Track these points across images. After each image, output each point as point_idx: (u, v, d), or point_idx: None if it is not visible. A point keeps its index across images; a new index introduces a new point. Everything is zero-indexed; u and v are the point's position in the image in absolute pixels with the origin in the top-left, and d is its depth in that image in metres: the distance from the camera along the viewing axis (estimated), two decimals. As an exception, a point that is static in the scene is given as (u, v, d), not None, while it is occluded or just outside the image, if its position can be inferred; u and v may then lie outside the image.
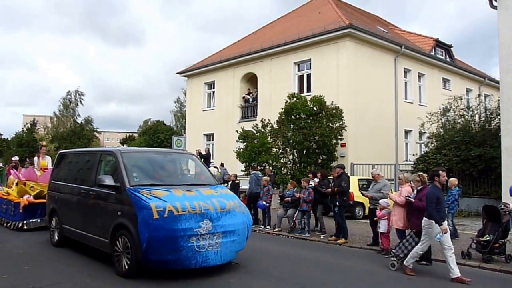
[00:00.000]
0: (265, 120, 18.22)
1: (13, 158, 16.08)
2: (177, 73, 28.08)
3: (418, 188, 7.86)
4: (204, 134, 25.56)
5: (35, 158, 12.34)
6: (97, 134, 58.40)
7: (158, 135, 40.15)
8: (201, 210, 6.19)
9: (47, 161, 12.19)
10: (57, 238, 8.55)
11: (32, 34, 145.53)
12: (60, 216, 8.43)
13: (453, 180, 10.44)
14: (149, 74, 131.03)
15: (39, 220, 10.43)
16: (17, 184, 11.51)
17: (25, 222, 10.36)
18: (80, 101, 55.07)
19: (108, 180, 6.59)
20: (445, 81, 24.41)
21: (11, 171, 13.19)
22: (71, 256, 7.80)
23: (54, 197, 8.85)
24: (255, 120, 20.46)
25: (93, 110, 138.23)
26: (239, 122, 22.71)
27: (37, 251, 8.29)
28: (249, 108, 23.23)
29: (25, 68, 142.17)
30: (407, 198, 8.03)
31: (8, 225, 10.83)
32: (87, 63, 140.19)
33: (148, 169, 7.38)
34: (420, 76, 22.69)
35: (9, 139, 53.13)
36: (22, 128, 52.79)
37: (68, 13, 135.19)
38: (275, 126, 17.74)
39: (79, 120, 54.23)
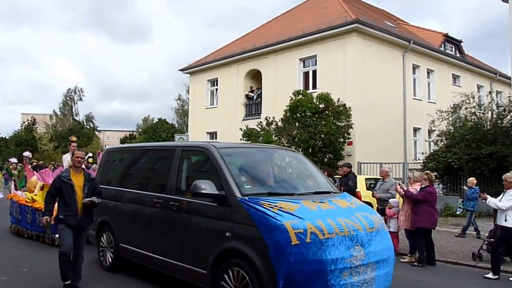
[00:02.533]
0: (269, 118, 17.83)
1: (25, 154, 14.83)
2: (180, 70, 27.76)
3: (423, 186, 7.79)
4: (207, 133, 25.16)
5: (65, 156, 10.34)
6: (97, 133, 58.34)
7: (159, 133, 39.88)
8: (350, 232, 4.41)
9: None
10: (110, 260, 6.58)
11: (36, 31, 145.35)
12: (116, 232, 6.48)
13: (473, 180, 10.86)
14: (156, 71, 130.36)
15: None
16: (42, 188, 9.46)
17: (57, 236, 8.63)
18: (81, 98, 54.98)
19: (209, 187, 4.70)
20: (455, 77, 23.89)
21: (35, 172, 11.10)
22: None
23: (105, 207, 6.72)
24: (259, 118, 20.06)
25: (97, 108, 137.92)
26: (243, 120, 22.28)
27: (36, 252, 8.08)
28: (253, 106, 22.84)
29: (28, 65, 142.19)
30: (399, 184, 8.14)
31: (38, 239, 9.05)
32: (92, 60, 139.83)
33: (255, 171, 5.62)
34: (429, 72, 22.19)
35: (7, 138, 53.15)
36: (21, 127, 52.75)
37: (73, 9, 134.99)
38: (279, 124, 17.36)
39: (79, 118, 54.16)
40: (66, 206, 5.42)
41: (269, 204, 4.44)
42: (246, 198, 4.56)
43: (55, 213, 7.82)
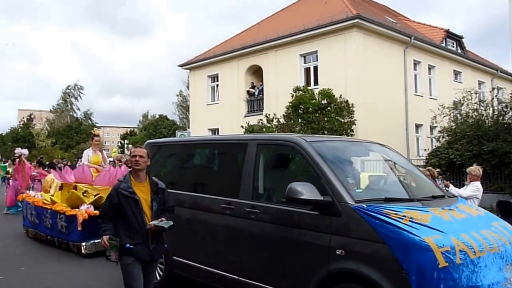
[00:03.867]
0: (270, 114, 17.75)
1: (18, 151, 14.45)
2: (179, 66, 27.55)
3: None
4: (209, 129, 25.03)
5: (86, 151, 8.97)
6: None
7: (160, 130, 39.64)
8: (499, 248, 3.53)
9: (101, 157, 8.97)
10: (159, 275, 5.42)
11: (36, 25, 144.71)
12: (167, 242, 4.99)
13: None
14: (158, 66, 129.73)
15: None
16: (61, 188, 8.59)
17: (84, 244, 7.36)
18: (80, 95, 54.63)
19: (310, 192, 3.68)
20: (456, 73, 23.87)
21: (52, 170, 10.04)
22: (71, 256, 7.47)
23: None
24: (261, 114, 19.95)
25: (97, 104, 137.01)
26: (245, 116, 22.21)
27: (35, 250, 8.04)
28: (255, 102, 22.73)
29: (26, 60, 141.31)
30: None
31: (60, 245, 7.97)
32: (93, 55, 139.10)
33: (358, 171, 4.67)
34: (430, 68, 22.15)
35: (3, 134, 52.91)
36: (19, 123, 52.51)
37: (74, 2, 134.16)
38: (282, 120, 17.27)
39: (78, 115, 53.89)
40: (131, 230, 3.78)
41: (396, 214, 3.45)
42: (364, 205, 3.57)
43: (81, 216, 7.25)
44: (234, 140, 5.38)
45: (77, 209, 7.60)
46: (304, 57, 20.45)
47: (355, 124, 16.94)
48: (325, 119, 16.14)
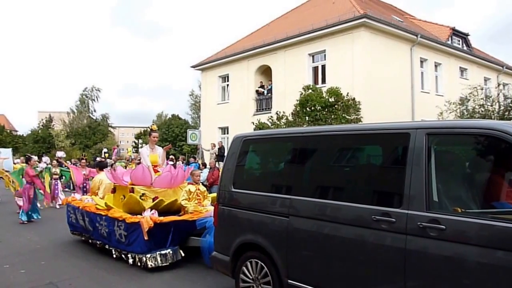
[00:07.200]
0: (280, 112, 18.22)
1: (59, 154, 14.36)
2: (192, 67, 28.18)
3: None
4: (219, 128, 25.67)
5: (144, 151, 7.98)
6: (112, 130, 59.17)
7: (172, 129, 40.26)
8: None
9: (159, 155, 7.92)
10: None
11: (56, 28, 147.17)
12: (278, 260, 4.24)
13: None
14: (176, 67, 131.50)
15: (171, 252, 6.43)
16: (114, 191, 7.81)
17: (148, 256, 6.32)
18: (96, 98, 55.56)
19: None
20: (462, 70, 24.01)
21: (105, 171, 8.89)
22: (89, 250, 7.66)
23: (250, 222, 4.64)
24: (270, 112, 20.48)
25: (116, 103, 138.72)
26: (254, 114, 22.69)
27: (54, 246, 8.26)
28: (263, 101, 23.24)
29: (46, 61, 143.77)
30: None
31: (120, 257, 6.91)
32: (113, 56, 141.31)
33: None
34: (436, 65, 22.35)
35: (24, 135, 54.22)
36: (38, 124, 53.70)
37: (94, 4, 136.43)
38: (290, 118, 17.73)
39: (95, 116, 54.87)
40: None
41: None
42: None
43: (146, 224, 6.26)
44: (386, 130, 3.88)
45: (139, 216, 6.55)
46: (313, 56, 20.87)
47: (361, 121, 17.33)
48: (332, 116, 16.54)
